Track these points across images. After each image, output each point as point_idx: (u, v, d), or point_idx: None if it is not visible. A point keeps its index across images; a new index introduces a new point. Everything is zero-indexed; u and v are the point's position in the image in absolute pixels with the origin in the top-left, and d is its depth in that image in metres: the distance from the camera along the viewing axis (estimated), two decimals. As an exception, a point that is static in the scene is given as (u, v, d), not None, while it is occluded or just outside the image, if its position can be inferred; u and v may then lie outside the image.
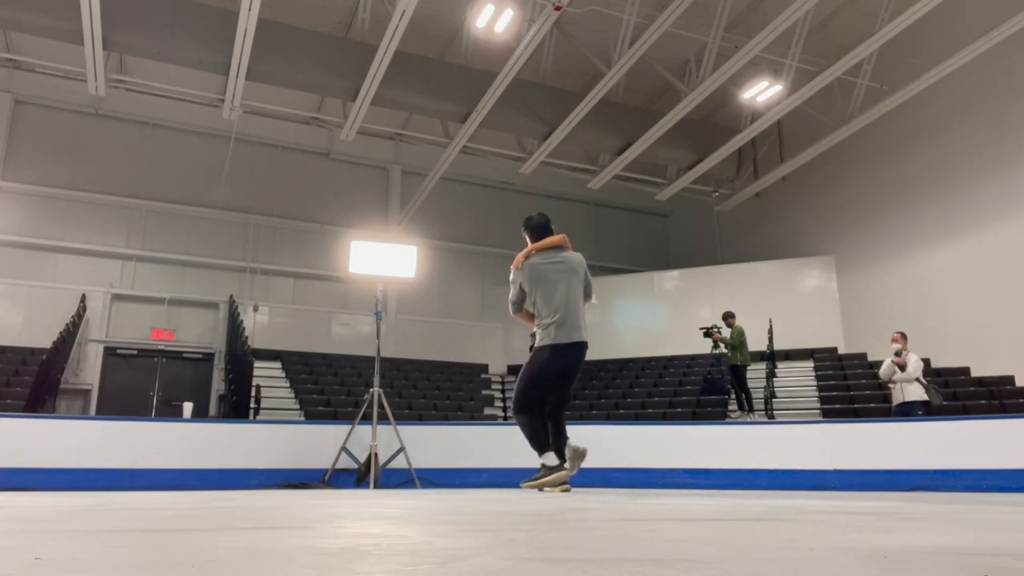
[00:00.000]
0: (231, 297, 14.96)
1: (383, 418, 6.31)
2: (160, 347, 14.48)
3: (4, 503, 3.12)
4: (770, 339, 12.41)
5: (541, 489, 4.56)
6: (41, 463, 5.93)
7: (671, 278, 16.68)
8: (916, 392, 8.73)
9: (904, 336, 9.09)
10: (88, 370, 13.76)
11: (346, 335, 15.71)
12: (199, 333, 14.92)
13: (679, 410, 11.95)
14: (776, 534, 1.46)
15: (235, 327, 13.52)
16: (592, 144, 14.76)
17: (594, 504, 2.83)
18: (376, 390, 6.31)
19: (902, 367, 8.84)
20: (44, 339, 12.36)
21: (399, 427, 6.34)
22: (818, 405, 11.86)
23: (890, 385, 9.10)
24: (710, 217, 18.11)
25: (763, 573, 0.90)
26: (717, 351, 11.46)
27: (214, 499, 3.46)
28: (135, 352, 14.33)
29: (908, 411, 8.63)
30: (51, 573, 0.93)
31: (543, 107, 13.40)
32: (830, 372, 13.11)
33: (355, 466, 6.26)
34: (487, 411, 13.68)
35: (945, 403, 10.21)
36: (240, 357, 12.18)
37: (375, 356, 6.70)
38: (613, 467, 6.67)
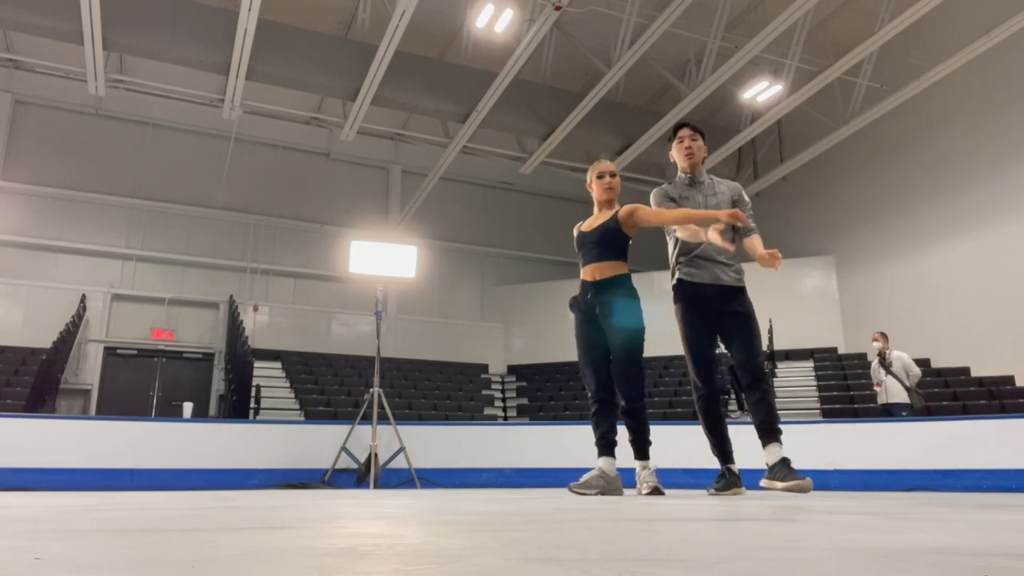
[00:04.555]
0: (231, 297, 14.97)
1: (383, 418, 6.31)
2: (160, 347, 14.48)
3: (4, 503, 3.12)
4: (770, 339, 12.40)
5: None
6: (41, 463, 5.92)
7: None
8: (900, 393, 8.74)
9: (885, 336, 9.10)
10: (88, 370, 13.76)
11: (346, 335, 15.72)
12: (199, 333, 14.92)
13: (679, 410, 11.95)
14: (776, 534, 1.46)
15: (235, 327, 13.53)
16: (592, 144, 14.76)
17: (594, 504, 2.83)
18: (376, 390, 6.31)
19: (885, 366, 8.87)
20: (44, 339, 12.37)
21: (399, 427, 6.34)
22: (818, 405, 11.86)
23: (875, 388, 9.14)
24: (710, 217, 18.09)
25: (763, 573, 0.90)
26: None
27: (214, 499, 3.46)
28: (135, 352, 14.33)
29: (892, 411, 8.66)
30: (51, 573, 0.93)
31: (543, 107, 13.41)
32: (830, 372, 13.11)
33: (355, 466, 6.26)
34: (487, 411, 13.69)
35: (943, 403, 10.22)
36: (240, 357, 12.18)
37: (375, 356, 6.71)
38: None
